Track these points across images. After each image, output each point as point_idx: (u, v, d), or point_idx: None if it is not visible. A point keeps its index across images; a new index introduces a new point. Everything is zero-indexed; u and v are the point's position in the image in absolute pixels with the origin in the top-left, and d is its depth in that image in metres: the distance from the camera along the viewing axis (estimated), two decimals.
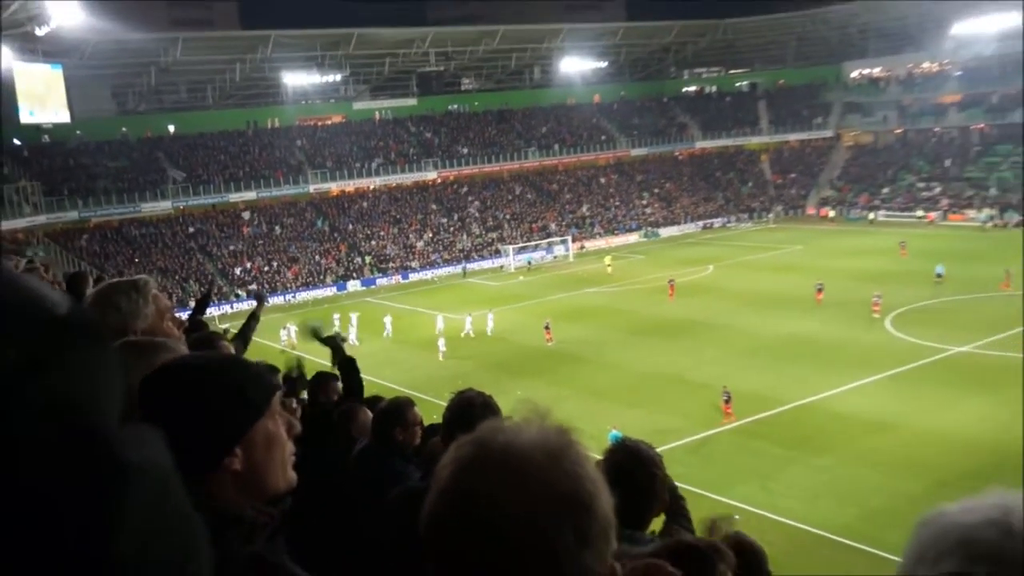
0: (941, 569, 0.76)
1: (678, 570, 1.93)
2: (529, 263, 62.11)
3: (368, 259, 62.70)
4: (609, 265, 56.24)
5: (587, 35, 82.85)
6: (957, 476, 20.13)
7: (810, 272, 46.47)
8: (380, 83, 79.55)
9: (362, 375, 6.20)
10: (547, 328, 38.70)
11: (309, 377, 6.20)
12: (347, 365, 5.85)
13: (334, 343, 6.08)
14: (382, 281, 60.16)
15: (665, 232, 71.65)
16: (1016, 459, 21.34)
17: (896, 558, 0.91)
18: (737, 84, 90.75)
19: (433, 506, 1.07)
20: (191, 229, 62.31)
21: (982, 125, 73.65)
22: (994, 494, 0.82)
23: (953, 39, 75.68)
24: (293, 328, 41.30)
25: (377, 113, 77.46)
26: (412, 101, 79.13)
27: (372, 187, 70.89)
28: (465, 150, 75.65)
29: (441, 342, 37.74)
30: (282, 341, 38.00)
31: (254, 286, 54.42)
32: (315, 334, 6.60)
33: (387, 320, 43.12)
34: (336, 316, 44.22)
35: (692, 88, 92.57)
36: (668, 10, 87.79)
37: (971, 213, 64.52)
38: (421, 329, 42.94)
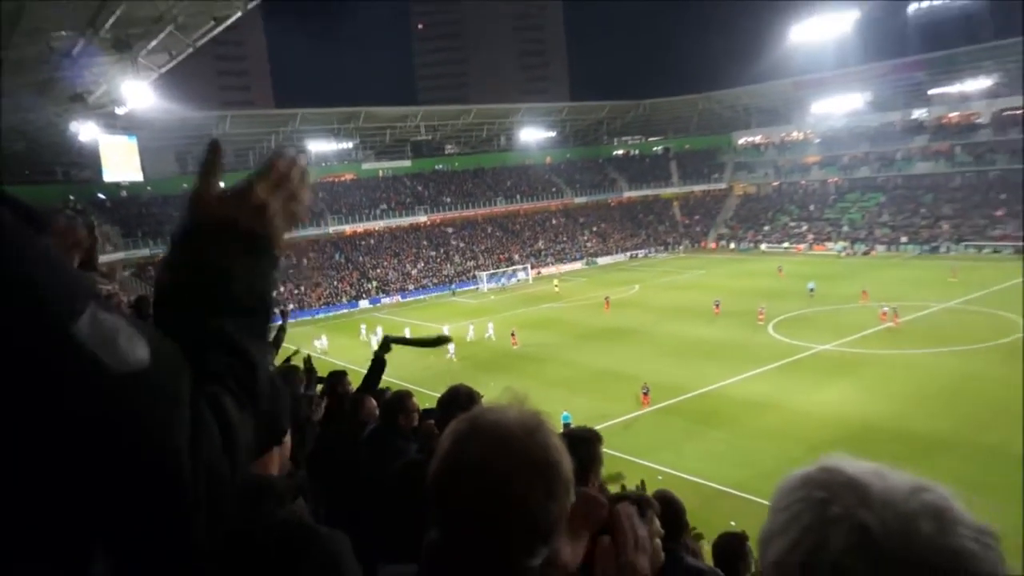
0: (791, 499, 0.79)
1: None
2: (503, 285, 61.98)
3: (374, 283, 62.19)
4: (557, 286, 56.19)
5: (540, 112, 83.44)
6: (826, 443, 20.22)
7: (710, 290, 46.64)
8: (382, 149, 79.24)
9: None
10: (513, 335, 38.53)
11: (323, 374, 6.03)
12: (379, 364, 5.62)
13: (386, 347, 5.63)
14: (385, 300, 59.57)
15: (601, 260, 71.82)
16: (867, 428, 21.72)
17: None
18: (654, 148, 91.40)
19: (436, 469, 1.08)
20: None
21: (836, 179, 74.91)
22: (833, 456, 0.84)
23: (813, 115, 77.46)
24: (325, 338, 40.74)
25: (380, 172, 77.02)
26: (407, 163, 78.83)
27: (377, 228, 70.45)
28: (448, 199, 75.47)
29: (451, 346, 36.87)
30: (317, 350, 37.22)
31: (292, 306, 53.70)
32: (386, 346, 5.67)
33: (407, 331, 42.26)
34: (363, 326, 43.52)
35: (620, 151, 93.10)
36: (601, 93, 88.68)
37: (830, 245, 65.45)
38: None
